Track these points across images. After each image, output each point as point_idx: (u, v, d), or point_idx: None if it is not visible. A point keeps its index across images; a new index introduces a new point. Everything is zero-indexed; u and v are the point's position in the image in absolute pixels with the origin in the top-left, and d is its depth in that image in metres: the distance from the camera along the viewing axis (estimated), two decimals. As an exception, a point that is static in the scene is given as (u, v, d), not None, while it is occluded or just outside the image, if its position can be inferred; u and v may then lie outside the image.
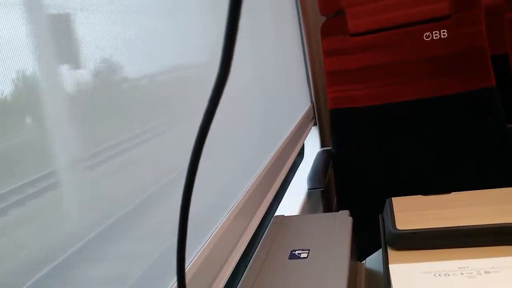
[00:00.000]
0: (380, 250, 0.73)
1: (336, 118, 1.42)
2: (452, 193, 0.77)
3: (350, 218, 0.84)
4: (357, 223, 0.88)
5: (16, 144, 0.32)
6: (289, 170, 1.10)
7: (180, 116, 0.57)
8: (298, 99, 1.42)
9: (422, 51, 1.34)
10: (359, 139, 1.40)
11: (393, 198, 0.79)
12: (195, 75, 0.63)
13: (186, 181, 0.27)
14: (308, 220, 0.87)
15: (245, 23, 0.89)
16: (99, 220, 0.40)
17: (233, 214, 0.70)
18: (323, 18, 1.46)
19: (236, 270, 0.69)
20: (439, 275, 0.57)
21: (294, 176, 1.39)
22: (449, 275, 0.57)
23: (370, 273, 0.77)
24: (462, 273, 0.57)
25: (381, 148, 1.37)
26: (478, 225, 0.64)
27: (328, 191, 1.61)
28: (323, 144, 1.71)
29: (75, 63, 0.39)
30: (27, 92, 0.34)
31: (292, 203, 1.24)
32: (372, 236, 1.00)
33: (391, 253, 0.65)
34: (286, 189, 1.27)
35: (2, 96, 0.32)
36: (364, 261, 0.81)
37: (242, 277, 0.70)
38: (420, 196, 0.79)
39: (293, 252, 0.74)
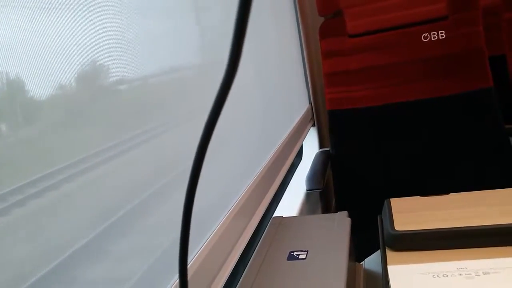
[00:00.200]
0: (379, 251, 0.73)
1: (335, 119, 1.42)
2: (451, 194, 0.78)
3: (349, 219, 0.84)
4: (356, 224, 0.88)
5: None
6: (287, 171, 1.10)
7: (172, 119, 0.57)
8: (297, 100, 1.42)
9: (420, 52, 1.34)
10: (357, 140, 1.40)
11: (391, 199, 0.79)
12: (188, 77, 0.63)
13: (190, 179, 0.27)
14: (307, 221, 0.87)
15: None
16: (98, 220, 0.40)
17: (231, 214, 0.70)
18: (322, 19, 1.46)
19: (235, 271, 0.69)
20: (438, 276, 0.57)
21: (293, 177, 1.39)
22: (447, 276, 0.57)
23: (369, 274, 0.77)
24: (460, 274, 0.57)
25: (380, 149, 1.38)
26: (476, 226, 0.64)
27: (326, 192, 1.60)
28: (321, 145, 1.71)
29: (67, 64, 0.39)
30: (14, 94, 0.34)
31: (291, 204, 1.24)
32: (371, 237, 1.00)
33: (390, 254, 0.65)
34: (285, 190, 1.27)
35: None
36: (362, 262, 0.81)
37: (241, 278, 0.69)
38: (418, 197, 0.79)
39: (292, 253, 0.74)
